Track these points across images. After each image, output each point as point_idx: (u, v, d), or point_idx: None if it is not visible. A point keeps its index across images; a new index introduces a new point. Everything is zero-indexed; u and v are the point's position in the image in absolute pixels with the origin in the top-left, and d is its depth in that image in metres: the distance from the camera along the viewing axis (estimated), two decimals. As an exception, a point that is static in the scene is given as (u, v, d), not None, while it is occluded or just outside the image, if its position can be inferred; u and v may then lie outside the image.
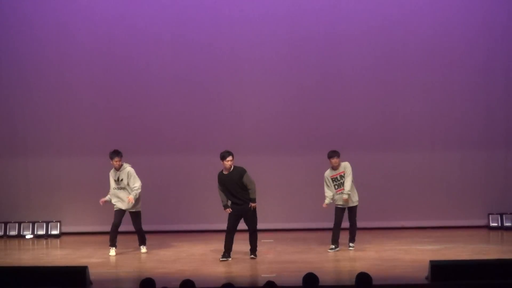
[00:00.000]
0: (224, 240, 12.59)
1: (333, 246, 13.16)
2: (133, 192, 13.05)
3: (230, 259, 12.52)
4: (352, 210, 13.16)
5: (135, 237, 13.51)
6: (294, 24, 15.42)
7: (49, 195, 15.45)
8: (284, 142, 15.47)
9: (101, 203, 13.28)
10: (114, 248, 13.21)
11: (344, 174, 13.04)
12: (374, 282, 8.19)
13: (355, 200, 13.17)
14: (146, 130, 15.38)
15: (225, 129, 15.45)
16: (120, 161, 13.13)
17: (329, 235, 13.49)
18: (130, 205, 13.09)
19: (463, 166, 15.57)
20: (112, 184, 13.21)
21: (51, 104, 15.46)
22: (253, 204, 12.50)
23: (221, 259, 12.49)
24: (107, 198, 13.27)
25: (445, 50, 15.50)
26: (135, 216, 13.24)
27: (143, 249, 13.38)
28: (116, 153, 13.15)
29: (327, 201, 13.12)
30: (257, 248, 12.71)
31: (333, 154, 13.08)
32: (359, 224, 14.09)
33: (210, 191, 14.50)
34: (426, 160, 15.55)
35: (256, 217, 12.60)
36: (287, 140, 15.48)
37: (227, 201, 12.59)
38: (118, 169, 13.16)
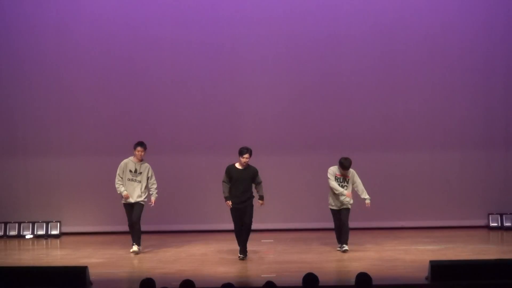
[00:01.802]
0: (236, 241, 12.69)
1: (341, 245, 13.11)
2: (154, 195, 13.17)
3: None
4: (344, 212, 12.92)
5: (135, 237, 13.46)
6: (294, 24, 15.40)
7: (49, 195, 15.44)
8: (284, 142, 15.46)
9: (126, 197, 13.13)
10: (136, 244, 13.21)
11: (349, 179, 12.91)
12: (374, 282, 8.19)
13: (346, 201, 12.95)
14: (146, 130, 15.36)
15: (226, 129, 15.44)
16: (143, 151, 13.12)
17: (329, 235, 13.49)
18: (140, 195, 13.10)
19: (463, 166, 15.57)
20: (127, 175, 13.13)
21: (51, 104, 15.45)
22: (261, 202, 12.62)
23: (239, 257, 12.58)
24: (124, 191, 13.15)
25: (445, 50, 15.50)
26: (140, 207, 13.14)
27: (135, 247, 13.14)
28: (141, 143, 13.17)
29: (345, 192, 12.90)
30: (254, 249, 12.71)
31: (346, 164, 12.81)
32: (360, 224, 14.14)
33: (210, 191, 14.53)
34: (426, 160, 15.55)
35: (252, 215, 12.62)
36: (287, 141, 15.47)
37: (229, 194, 12.61)
38: (139, 160, 13.14)
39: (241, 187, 12.53)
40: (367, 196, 13.04)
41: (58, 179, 15.47)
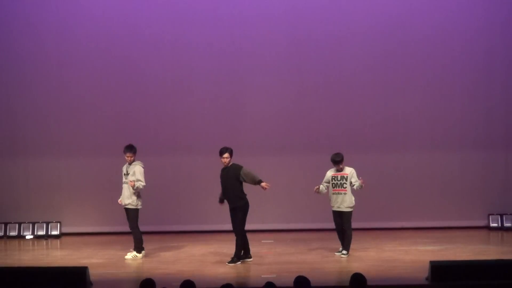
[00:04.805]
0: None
1: (341, 249, 13.02)
2: (136, 180, 12.77)
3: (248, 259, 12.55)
4: (344, 216, 12.72)
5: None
6: (294, 24, 15.43)
7: (49, 196, 15.45)
8: (284, 142, 15.47)
9: (120, 202, 13.06)
10: (141, 253, 12.95)
11: (347, 176, 12.70)
12: (374, 283, 8.20)
13: (346, 205, 12.72)
14: (147, 130, 15.40)
15: (226, 129, 15.45)
16: (131, 156, 12.94)
17: (329, 235, 13.50)
18: (129, 197, 12.86)
19: (463, 166, 15.58)
20: (122, 178, 13.02)
21: (51, 105, 15.47)
22: (263, 184, 12.22)
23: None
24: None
25: (445, 50, 15.52)
26: (130, 212, 12.89)
27: (128, 255, 12.92)
28: (128, 148, 12.99)
29: (320, 188, 12.78)
30: (254, 249, 12.65)
31: (338, 159, 12.68)
32: (360, 224, 14.12)
33: (210, 192, 14.51)
34: (426, 161, 15.56)
35: (239, 220, 12.35)
36: (287, 141, 15.48)
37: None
38: (129, 163, 13.01)
39: (225, 187, 12.42)
40: (357, 184, 12.67)
41: (58, 179, 15.49)
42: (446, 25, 15.50)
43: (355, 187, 12.69)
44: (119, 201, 13.11)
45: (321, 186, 12.85)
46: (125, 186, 12.98)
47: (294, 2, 15.46)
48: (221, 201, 12.66)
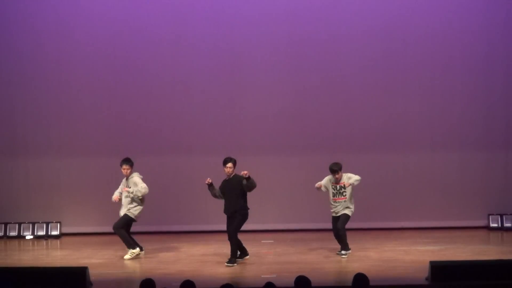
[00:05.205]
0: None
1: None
2: (135, 189, 12.74)
3: (242, 260, 12.53)
4: (342, 216, 12.76)
5: (136, 238, 13.37)
6: (294, 24, 15.41)
7: (49, 196, 15.44)
8: (284, 142, 15.46)
9: (115, 200, 13.04)
10: (137, 248, 12.97)
11: (345, 185, 12.71)
12: (374, 283, 8.20)
13: (346, 211, 12.76)
14: (147, 130, 15.39)
15: (226, 129, 15.45)
16: (128, 169, 12.88)
17: (329, 236, 13.47)
18: (126, 207, 12.88)
19: (463, 166, 15.56)
20: (124, 193, 12.96)
21: (51, 105, 15.46)
22: (244, 172, 12.15)
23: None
24: (117, 194, 13.05)
25: (445, 50, 15.50)
26: (124, 216, 12.88)
27: (127, 255, 12.95)
28: (125, 161, 12.93)
29: (322, 188, 12.86)
30: (254, 249, 12.65)
31: (335, 168, 12.72)
32: (360, 224, 14.15)
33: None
34: (426, 161, 15.55)
35: (237, 223, 12.36)
36: (287, 141, 15.46)
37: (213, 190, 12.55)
38: (127, 177, 12.95)
39: (228, 198, 12.42)
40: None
41: (58, 179, 15.48)
42: (446, 25, 15.48)
43: (355, 183, 12.72)
44: (114, 197, 13.05)
45: (322, 187, 12.86)
46: (125, 198, 12.94)
47: (294, 2, 15.45)
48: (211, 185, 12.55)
